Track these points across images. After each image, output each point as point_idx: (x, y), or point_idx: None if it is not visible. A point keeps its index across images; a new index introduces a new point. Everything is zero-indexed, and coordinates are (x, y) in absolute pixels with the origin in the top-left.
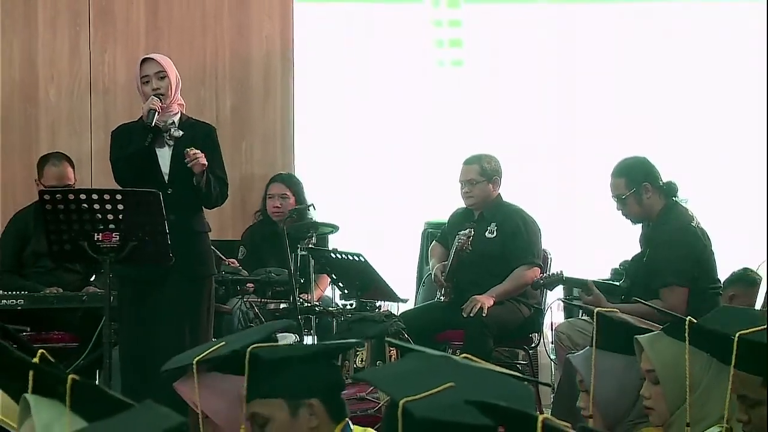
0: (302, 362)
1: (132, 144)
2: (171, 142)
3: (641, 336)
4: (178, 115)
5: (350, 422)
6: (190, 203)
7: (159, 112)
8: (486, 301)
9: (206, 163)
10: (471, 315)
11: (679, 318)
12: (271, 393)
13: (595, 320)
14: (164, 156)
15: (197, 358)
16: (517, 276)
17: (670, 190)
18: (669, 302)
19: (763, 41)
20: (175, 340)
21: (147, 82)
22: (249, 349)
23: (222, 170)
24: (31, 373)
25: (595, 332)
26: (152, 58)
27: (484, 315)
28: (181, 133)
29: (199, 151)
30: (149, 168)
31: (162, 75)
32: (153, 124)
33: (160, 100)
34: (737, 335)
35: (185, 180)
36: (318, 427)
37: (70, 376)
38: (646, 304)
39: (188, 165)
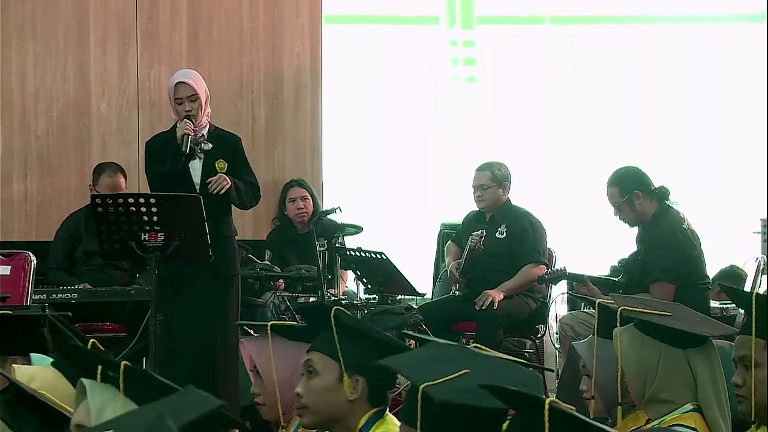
0: (374, 344)
1: (167, 162)
2: (201, 155)
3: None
4: (207, 127)
5: (389, 415)
6: (218, 210)
7: (192, 136)
8: (496, 295)
9: (229, 184)
10: (483, 308)
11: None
12: (333, 353)
13: (597, 310)
14: (195, 168)
15: (272, 323)
16: (524, 273)
17: (662, 194)
18: (657, 296)
19: (739, 60)
20: (206, 331)
21: (180, 103)
22: (335, 307)
23: (250, 174)
24: (86, 359)
25: (596, 321)
26: (185, 82)
27: (495, 308)
28: (210, 146)
29: (220, 178)
30: (182, 180)
31: (194, 98)
32: (186, 150)
33: (192, 122)
34: (754, 296)
35: None
36: (354, 402)
37: (123, 363)
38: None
39: (213, 193)
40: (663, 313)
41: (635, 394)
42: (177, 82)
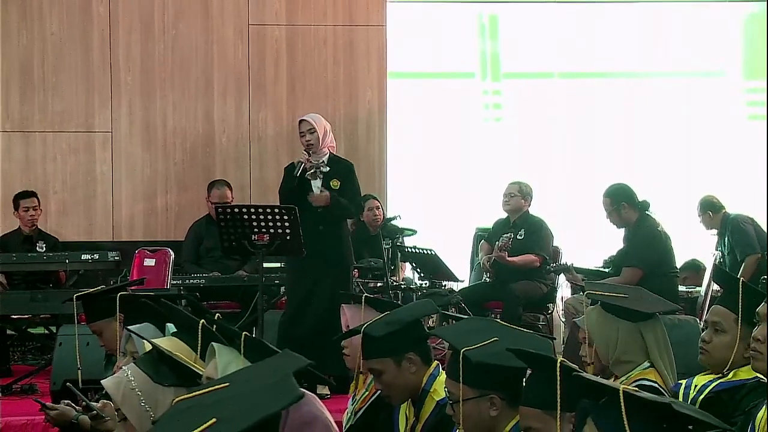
0: (403, 330)
1: (289, 183)
2: (321, 176)
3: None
4: (327, 155)
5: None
6: (333, 217)
7: (305, 164)
8: (503, 256)
9: (324, 202)
10: (490, 261)
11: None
12: (381, 354)
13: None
14: (316, 185)
15: (366, 296)
16: (526, 257)
17: (644, 206)
18: (625, 277)
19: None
20: (325, 312)
21: (303, 135)
22: (367, 326)
23: (356, 193)
24: (216, 328)
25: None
26: (304, 119)
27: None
28: (328, 168)
29: (319, 198)
30: (305, 195)
31: (312, 131)
32: (298, 174)
33: (308, 153)
34: (741, 281)
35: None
36: (416, 371)
37: (244, 333)
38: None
39: (314, 205)
40: (620, 295)
41: (603, 358)
42: (300, 120)
